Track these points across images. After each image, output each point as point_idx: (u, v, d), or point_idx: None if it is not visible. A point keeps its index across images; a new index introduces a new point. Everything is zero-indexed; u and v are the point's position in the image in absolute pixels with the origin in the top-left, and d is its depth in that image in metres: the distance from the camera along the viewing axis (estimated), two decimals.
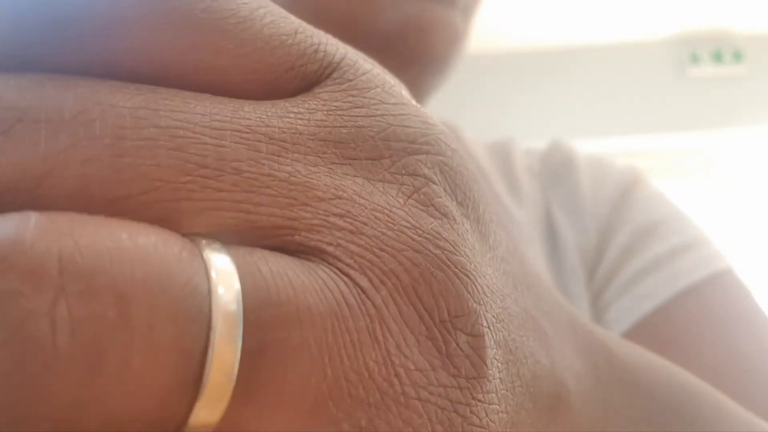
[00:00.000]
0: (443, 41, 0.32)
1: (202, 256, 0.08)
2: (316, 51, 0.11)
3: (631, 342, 0.32)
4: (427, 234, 0.10)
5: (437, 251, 0.10)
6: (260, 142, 0.09)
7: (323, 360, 0.08)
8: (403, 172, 0.10)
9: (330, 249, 0.09)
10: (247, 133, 0.09)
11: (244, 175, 0.09)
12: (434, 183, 0.10)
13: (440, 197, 0.10)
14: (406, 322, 0.09)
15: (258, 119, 0.09)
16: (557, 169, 0.39)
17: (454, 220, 0.10)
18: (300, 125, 0.10)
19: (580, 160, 0.39)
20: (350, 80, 0.11)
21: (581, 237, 0.36)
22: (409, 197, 0.10)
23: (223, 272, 0.08)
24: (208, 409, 0.08)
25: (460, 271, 0.10)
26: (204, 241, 0.08)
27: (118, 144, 0.08)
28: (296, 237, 0.09)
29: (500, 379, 0.10)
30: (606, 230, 0.36)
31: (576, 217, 0.37)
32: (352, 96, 0.11)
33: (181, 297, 0.08)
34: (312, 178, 0.09)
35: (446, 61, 0.32)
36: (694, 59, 2.17)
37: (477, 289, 0.10)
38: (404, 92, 0.12)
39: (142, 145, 0.08)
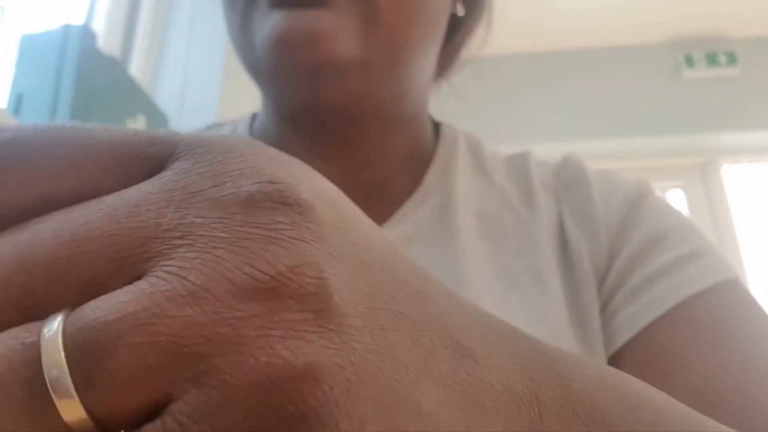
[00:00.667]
0: (317, 46, 0.32)
1: (39, 340, 0.11)
2: (152, 143, 0.14)
3: (638, 348, 0.33)
4: (260, 224, 0.12)
5: (270, 233, 0.12)
6: (119, 210, 0.12)
7: (143, 340, 0.11)
8: (237, 197, 0.12)
9: (166, 262, 0.11)
10: (110, 208, 0.12)
11: (110, 237, 0.12)
12: (260, 200, 0.12)
13: (273, 208, 0.12)
14: (237, 285, 0.11)
15: (116, 199, 0.12)
16: (569, 182, 0.40)
17: (291, 218, 0.12)
18: (148, 188, 0.13)
19: (591, 173, 0.41)
20: (189, 152, 0.13)
21: (593, 246, 0.37)
22: (240, 208, 0.12)
23: (49, 350, 0.11)
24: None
25: (297, 239, 0.12)
26: (45, 329, 0.11)
27: None
28: (150, 263, 0.12)
29: (358, 315, 0.12)
30: (615, 240, 0.37)
31: (587, 227, 0.37)
32: (192, 161, 0.13)
33: (18, 381, 0.11)
34: (160, 218, 0.12)
35: (342, 63, 0.33)
36: (689, 61, 2.18)
37: (319, 250, 0.12)
38: (248, 150, 0.14)
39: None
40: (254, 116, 0.45)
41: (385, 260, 0.14)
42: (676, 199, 2.18)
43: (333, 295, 0.12)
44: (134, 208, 0.12)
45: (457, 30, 0.44)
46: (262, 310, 0.11)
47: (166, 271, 0.11)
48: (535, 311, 0.34)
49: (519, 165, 0.43)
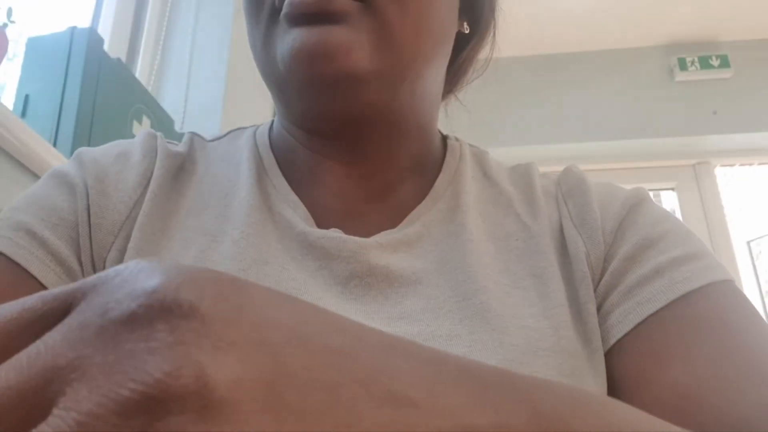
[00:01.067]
0: (333, 59, 0.35)
1: None
2: (55, 298, 0.15)
3: (631, 345, 0.34)
4: (141, 337, 0.13)
5: (150, 344, 0.13)
6: (22, 361, 0.13)
7: None
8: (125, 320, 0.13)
9: (62, 399, 0.12)
10: (16, 361, 0.13)
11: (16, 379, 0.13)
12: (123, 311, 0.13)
13: (153, 318, 0.13)
14: (122, 404, 0.12)
15: (21, 354, 0.13)
16: (571, 189, 0.43)
17: (171, 324, 0.13)
18: (48, 336, 0.14)
19: (591, 183, 0.43)
20: (88, 292, 0.14)
21: (591, 248, 0.39)
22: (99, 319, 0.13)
23: None
24: None
25: (176, 343, 0.12)
26: None
27: None
28: (53, 403, 0.12)
29: (254, 398, 0.12)
30: (612, 242, 0.39)
31: (586, 231, 0.40)
32: (88, 300, 0.14)
33: None
34: (57, 359, 0.13)
35: (356, 75, 0.36)
36: (683, 65, 2.21)
37: (201, 348, 0.13)
38: (140, 272, 0.14)
39: None
40: (272, 123, 0.48)
41: (294, 333, 0.14)
42: (670, 200, 2.20)
43: (215, 389, 0.12)
44: (35, 356, 0.13)
45: (463, 48, 0.47)
46: (145, 421, 0.11)
47: (61, 408, 0.12)
48: (537, 309, 0.36)
49: (522, 174, 0.46)
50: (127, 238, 0.38)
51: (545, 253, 0.39)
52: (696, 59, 2.21)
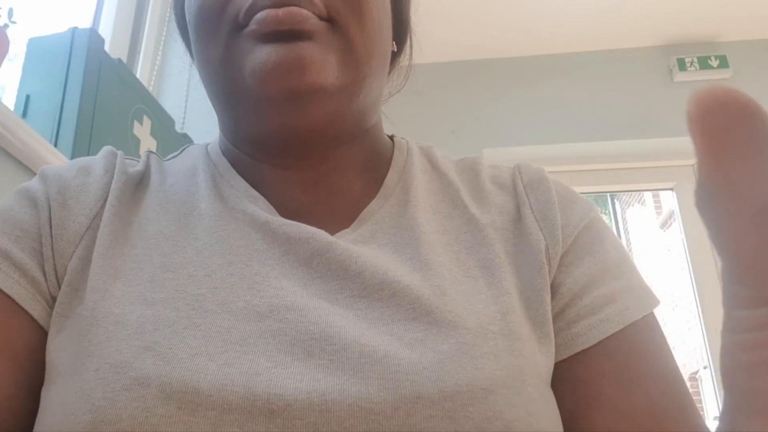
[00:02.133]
0: (306, 73, 0.38)
1: None
2: None
3: (595, 357, 0.38)
4: None
5: None
6: None
7: None
8: None
9: None
10: None
11: None
12: None
13: None
14: None
15: None
16: (533, 183, 0.46)
17: None
18: None
19: (551, 181, 0.46)
20: None
21: (550, 242, 0.42)
22: None
23: None
24: None
25: None
26: None
27: None
28: None
29: None
30: (570, 251, 0.42)
31: (548, 227, 0.42)
32: None
33: None
34: None
35: (321, 85, 0.39)
36: (682, 65, 2.22)
37: None
38: None
39: None
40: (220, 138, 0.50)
41: None
42: (669, 200, 2.21)
43: None
44: None
45: (392, 63, 0.52)
46: None
47: None
48: (485, 296, 0.38)
49: (469, 167, 0.49)
50: (88, 247, 0.39)
51: (492, 245, 0.41)
52: (695, 59, 2.22)
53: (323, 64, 0.38)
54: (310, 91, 0.38)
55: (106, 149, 0.46)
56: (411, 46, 0.53)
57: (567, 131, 2.16)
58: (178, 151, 0.51)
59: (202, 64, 0.43)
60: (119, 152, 0.47)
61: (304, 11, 0.38)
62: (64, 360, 0.35)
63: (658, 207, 5.84)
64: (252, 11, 0.39)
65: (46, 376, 0.36)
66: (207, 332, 0.33)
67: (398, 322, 0.35)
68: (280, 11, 0.38)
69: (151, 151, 0.49)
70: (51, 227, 0.40)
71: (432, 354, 0.33)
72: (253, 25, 0.38)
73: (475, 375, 0.32)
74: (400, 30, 0.51)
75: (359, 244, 0.41)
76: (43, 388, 0.35)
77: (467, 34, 2.13)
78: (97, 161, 0.45)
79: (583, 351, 0.38)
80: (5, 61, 0.87)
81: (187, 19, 0.44)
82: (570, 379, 0.38)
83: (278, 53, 0.38)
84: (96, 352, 0.33)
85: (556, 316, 0.40)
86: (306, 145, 0.43)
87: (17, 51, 1.11)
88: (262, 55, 0.38)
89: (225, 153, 0.47)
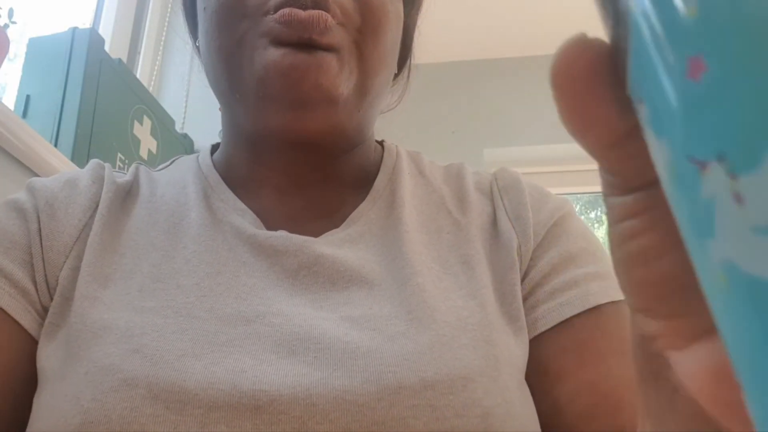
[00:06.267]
0: (308, 80, 0.39)
1: None
2: None
3: (555, 337, 0.40)
4: None
5: None
6: None
7: None
8: None
9: None
10: None
11: None
12: None
13: None
14: None
15: None
16: (506, 187, 0.47)
17: None
18: None
19: (525, 183, 0.47)
20: None
21: (522, 240, 0.43)
22: None
23: None
24: None
25: None
26: None
27: None
28: None
29: None
30: (540, 245, 0.43)
31: (520, 226, 0.44)
32: None
33: None
34: None
35: (331, 95, 0.40)
36: None
37: None
38: None
39: None
40: (214, 147, 0.51)
41: None
42: None
43: None
44: None
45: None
46: None
47: None
48: (465, 290, 0.40)
49: (454, 173, 0.50)
50: (78, 257, 0.40)
51: (473, 242, 0.43)
52: None
53: (337, 77, 0.39)
54: (318, 100, 0.39)
55: (93, 162, 0.47)
56: (409, 69, 0.55)
57: (566, 131, 2.16)
58: (168, 162, 0.51)
59: (212, 51, 0.43)
60: (107, 164, 0.47)
61: (329, 19, 0.38)
62: (54, 366, 0.35)
63: None
64: (278, 4, 0.39)
65: (38, 383, 0.36)
66: (194, 336, 0.34)
67: (380, 320, 0.36)
68: (304, 13, 0.38)
69: (139, 163, 0.50)
70: (41, 238, 0.40)
71: (413, 345, 0.34)
72: (273, 22, 0.39)
73: (454, 365, 0.34)
74: (404, 54, 0.52)
75: (347, 244, 0.42)
76: (35, 396, 0.36)
77: (467, 34, 2.14)
78: (83, 173, 0.45)
79: (546, 332, 0.40)
80: (5, 61, 0.87)
81: (203, 5, 0.43)
82: (534, 360, 0.40)
83: (296, 56, 0.38)
84: (85, 356, 0.34)
85: (523, 305, 0.41)
86: (302, 151, 0.44)
87: (17, 51, 1.11)
88: (279, 53, 0.38)
89: (217, 165, 0.48)
